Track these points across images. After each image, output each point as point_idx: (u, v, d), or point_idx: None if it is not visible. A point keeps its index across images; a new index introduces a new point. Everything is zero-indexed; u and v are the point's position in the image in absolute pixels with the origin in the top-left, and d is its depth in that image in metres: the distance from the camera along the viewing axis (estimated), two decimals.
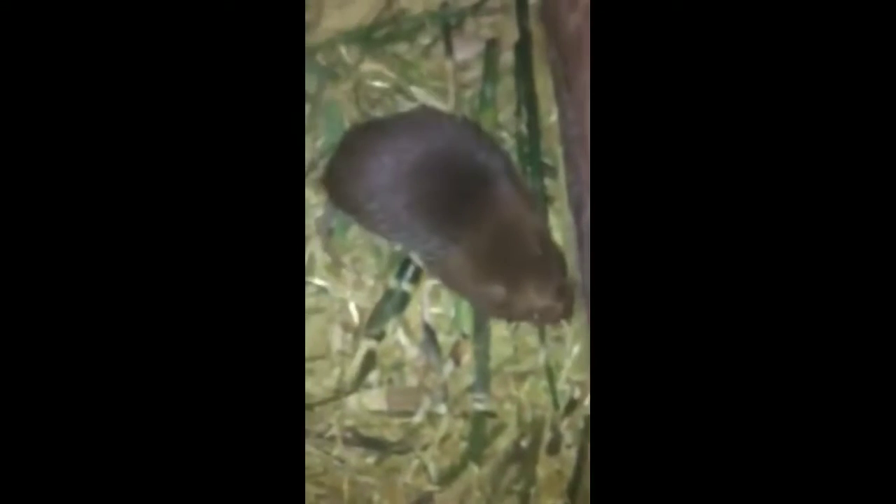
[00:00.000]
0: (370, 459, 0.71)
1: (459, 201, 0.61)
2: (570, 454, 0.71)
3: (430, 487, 0.71)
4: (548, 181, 0.73)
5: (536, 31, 0.76)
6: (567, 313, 0.65)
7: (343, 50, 0.75)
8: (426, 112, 0.71)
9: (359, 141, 0.66)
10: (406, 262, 0.71)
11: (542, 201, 0.73)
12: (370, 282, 0.73)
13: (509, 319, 0.69)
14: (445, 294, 0.72)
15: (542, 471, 0.71)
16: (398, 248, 0.70)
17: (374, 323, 0.71)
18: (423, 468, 0.71)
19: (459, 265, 0.62)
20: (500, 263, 0.61)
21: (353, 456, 0.71)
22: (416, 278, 0.72)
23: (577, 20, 0.63)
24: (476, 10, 0.77)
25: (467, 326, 0.71)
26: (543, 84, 0.75)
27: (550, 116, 0.75)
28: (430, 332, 0.72)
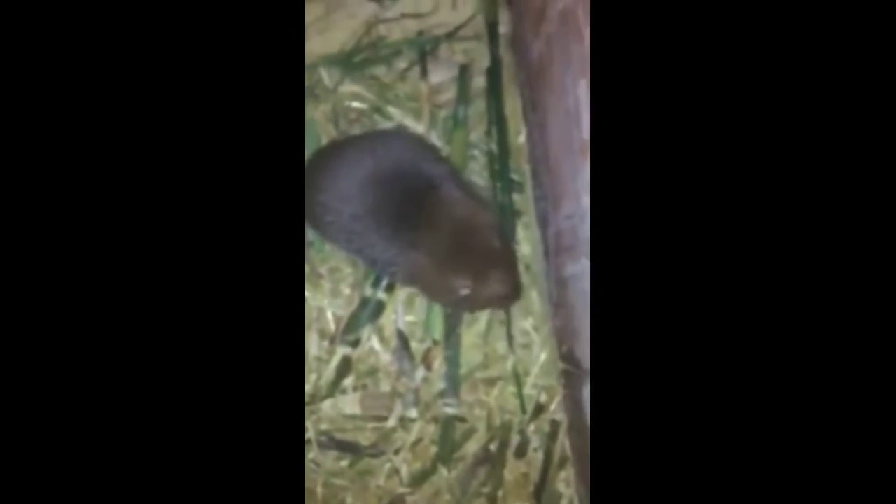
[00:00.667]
0: (344, 462, 0.73)
1: (410, 207, 0.65)
2: (536, 457, 0.74)
3: (401, 490, 0.73)
4: (516, 196, 0.78)
5: (506, 57, 0.81)
6: (516, 298, 0.70)
7: (324, 73, 0.80)
8: (376, 132, 0.76)
9: (317, 162, 0.71)
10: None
11: (511, 216, 0.77)
12: (347, 291, 0.76)
13: (471, 309, 0.72)
14: (419, 302, 0.76)
15: (509, 474, 0.74)
16: (359, 257, 0.72)
17: (350, 330, 0.74)
18: (395, 471, 0.73)
19: (423, 267, 0.66)
20: (463, 258, 0.65)
21: (328, 459, 0.73)
22: (390, 287, 0.75)
23: (540, 47, 0.68)
24: (450, 37, 0.82)
25: (438, 333, 0.75)
26: (512, 106, 0.80)
27: (519, 136, 0.79)
28: (403, 339, 0.75)
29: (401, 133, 0.76)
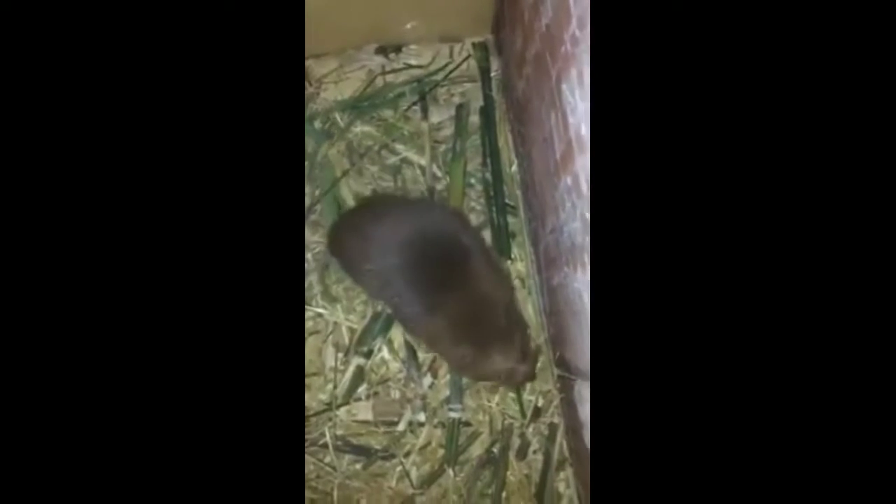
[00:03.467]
0: (358, 465, 0.80)
1: (442, 271, 0.71)
2: (536, 459, 0.79)
3: (411, 491, 0.79)
4: (511, 219, 0.86)
5: (498, 97, 0.91)
6: (531, 376, 0.74)
7: (338, 116, 0.91)
8: (421, 199, 0.84)
9: (362, 215, 0.78)
10: None
11: (507, 236, 0.85)
12: (360, 306, 0.84)
13: (476, 378, 0.78)
14: None
15: (512, 476, 0.79)
16: (387, 304, 0.79)
17: (363, 342, 0.82)
18: (406, 473, 0.79)
19: (438, 330, 0.72)
20: (470, 330, 0.70)
21: (343, 462, 0.80)
22: None
23: (522, 86, 0.77)
24: (448, 81, 0.92)
25: None
26: (504, 140, 0.89)
27: (511, 166, 0.88)
28: (411, 350, 0.82)
29: (444, 204, 0.83)
